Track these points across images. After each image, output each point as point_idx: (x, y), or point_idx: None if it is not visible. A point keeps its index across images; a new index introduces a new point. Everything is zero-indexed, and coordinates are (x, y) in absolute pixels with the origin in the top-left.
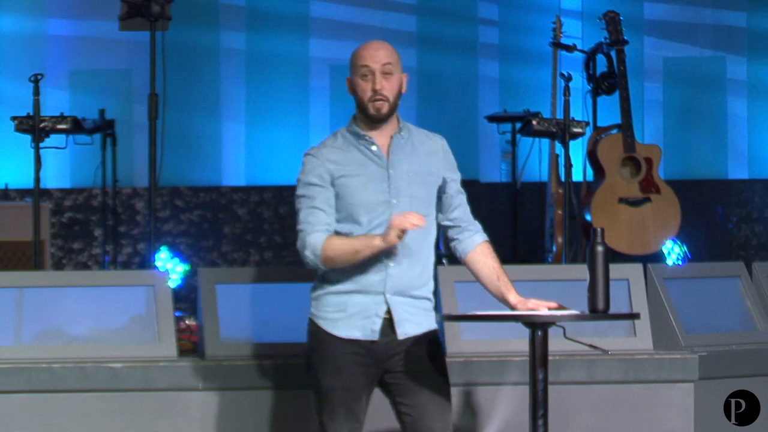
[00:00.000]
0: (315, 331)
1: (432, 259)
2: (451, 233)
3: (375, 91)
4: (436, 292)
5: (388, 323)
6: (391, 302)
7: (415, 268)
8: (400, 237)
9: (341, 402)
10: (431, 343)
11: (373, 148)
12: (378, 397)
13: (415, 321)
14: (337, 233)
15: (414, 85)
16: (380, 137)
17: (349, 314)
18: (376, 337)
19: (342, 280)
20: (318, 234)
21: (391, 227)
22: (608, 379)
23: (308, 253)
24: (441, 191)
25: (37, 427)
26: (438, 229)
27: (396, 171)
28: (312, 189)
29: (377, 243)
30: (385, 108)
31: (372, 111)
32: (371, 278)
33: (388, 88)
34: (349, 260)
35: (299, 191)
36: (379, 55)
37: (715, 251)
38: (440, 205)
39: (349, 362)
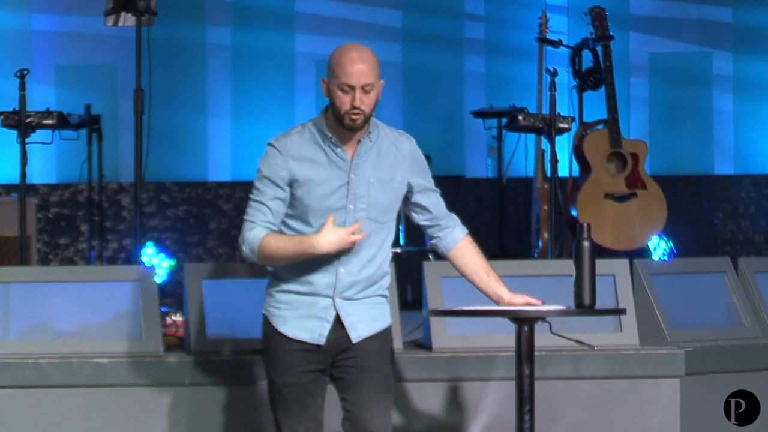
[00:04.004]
0: (267, 327)
1: (388, 258)
2: (429, 231)
3: (354, 107)
4: (421, 288)
5: (339, 325)
6: (340, 306)
7: (367, 271)
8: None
9: (294, 399)
10: (381, 340)
11: (338, 150)
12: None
13: (366, 321)
14: (288, 229)
15: (400, 81)
16: (347, 140)
17: (299, 315)
18: (322, 341)
19: (293, 281)
20: (258, 230)
21: (331, 242)
22: (594, 374)
23: (245, 249)
24: (409, 194)
25: (23, 423)
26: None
27: (357, 176)
28: (266, 184)
29: (311, 252)
30: (360, 120)
31: (347, 122)
32: (321, 281)
33: (367, 103)
34: (286, 263)
35: (256, 181)
36: (361, 75)
37: (701, 247)
38: (413, 207)
39: (298, 360)
